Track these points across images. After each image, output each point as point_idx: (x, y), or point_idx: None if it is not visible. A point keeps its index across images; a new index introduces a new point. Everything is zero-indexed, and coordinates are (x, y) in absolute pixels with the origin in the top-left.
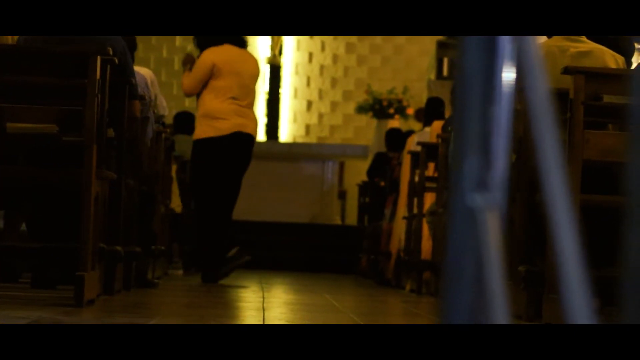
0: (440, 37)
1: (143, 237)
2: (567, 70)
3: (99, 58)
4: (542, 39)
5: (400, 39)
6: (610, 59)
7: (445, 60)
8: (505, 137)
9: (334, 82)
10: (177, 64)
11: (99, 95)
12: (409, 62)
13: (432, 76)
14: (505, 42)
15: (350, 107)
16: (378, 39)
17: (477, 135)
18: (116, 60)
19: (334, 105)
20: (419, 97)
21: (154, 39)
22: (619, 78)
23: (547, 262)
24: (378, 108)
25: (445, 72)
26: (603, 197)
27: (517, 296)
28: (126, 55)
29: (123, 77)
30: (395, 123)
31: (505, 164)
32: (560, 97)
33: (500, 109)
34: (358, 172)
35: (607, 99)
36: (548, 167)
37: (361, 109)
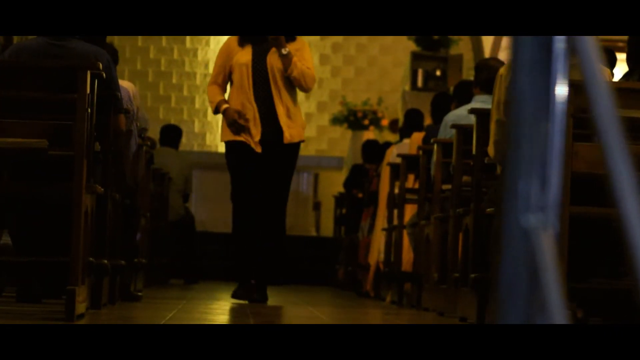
0: (414, 48)
1: (127, 250)
2: None
3: (88, 72)
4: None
5: (374, 50)
6: None
7: (420, 72)
8: (558, 157)
9: (307, 94)
10: (174, 77)
11: (89, 110)
12: (383, 73)
13: (407, 87)
14: (559, 58)
15: (325, 119)
16: (352, 50)
17: (530, 156)
18: (104, 75)
19: (308, 117)
20: (393, 108)
21: (152, 51)
22: None
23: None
24: (353, 119)
25: (419, 83)
26: (593, 209)
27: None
28: (111, 69)
29: (109, 90)
30: (370, 134)
31: (558, 184)
32: None
33: (554, 128)
34: (333, 183)
35: None
36: (615, 167)
37: (336, 120)
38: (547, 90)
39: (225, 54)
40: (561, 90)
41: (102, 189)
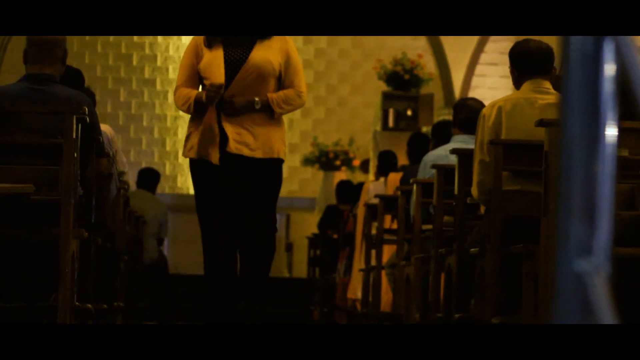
0: (385, 88)
1: (108, 293)
2: (541, 123)
3: (74, 117)
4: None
5: (344, 91)
6: None
7: (391, 111)
8: (607, 200)
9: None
10: (145, 120)
11: (75, 154)
12: (353, 113)
13: (378, 127)
14: (607, 101)
15: (296, 160)
16: (322, 91)
17: (581, 201)
18: (87, 119)
19: None
20: (364, 148)
21: (122, 94)
22: None
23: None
24: (325, 160)
25: (391, 123)
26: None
27: None
28: (93, 113)
29: (91, 134)
30: (342, 175)
31: (609, 227)
32: (533, 149)
33: (603, 171)
34: (305, 224)
35: None
36: None
37: (307, 161)
38: (597, 133)
39: (193, 54)
40: (610, 132)
41: (86, 234)
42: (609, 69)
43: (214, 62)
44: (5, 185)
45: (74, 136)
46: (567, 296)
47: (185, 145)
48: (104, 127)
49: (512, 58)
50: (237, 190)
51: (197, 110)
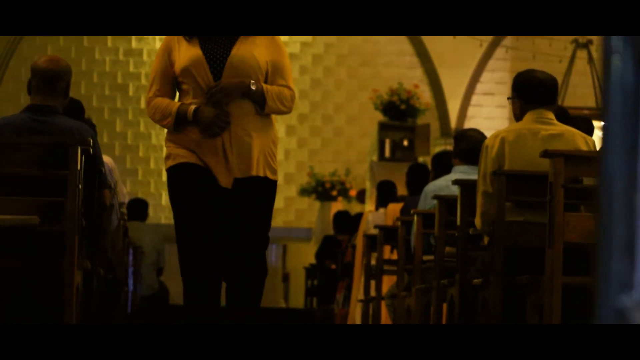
0: (381, 118)
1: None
2: (546, 154)
3: (79, 149)
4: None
5: (340, 121)
6: (581, 140)
7: (387, 142)
8: None
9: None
10: (141, 151)
11: (79, 186)
12: (349, 143)
13: (374, 157)
14: None
15: (292, 190)
16: (318, 121)
17: (622, 236)
18: (91, 150)
19: None
20: (361, 178)
21: (118, 125)
22: (595, 161)
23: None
24: (321, 190)
25: (387, 153)
26: (585, 279)
27: None
28: (96, 144)
29: (93, 165)
30: (338, 205)
31: None
32: (536, 180)
33: None
34: (301, 254)
35: (586, 181)
36: None
37: (304, 192)
38: (637, 168)
39: (165, 57)
40: None
41: (90, 265)
42: None
43: (195, 62)
44: (9, 216)
45: (79, 168)
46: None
47: (170, 156)
48: (105, 158)
49: (518, 88)
50: (226, 204)
51: (176, 128)
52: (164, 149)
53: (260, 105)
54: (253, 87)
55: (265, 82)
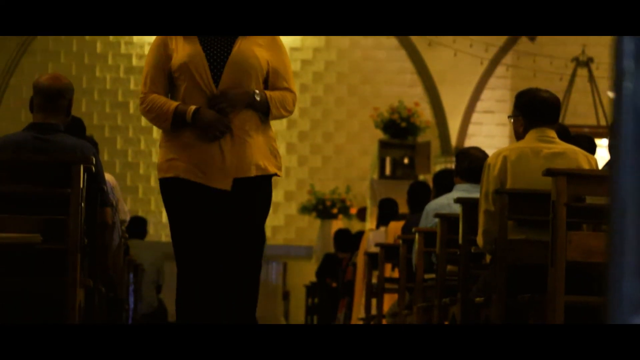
0: (382, 136)
1: None
2: (548, 172)
3: (82, 167)
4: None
5: (341, 139)
6: (583, 159)
7: (388, 160)
8: None
9: (274, 183)
10: (142, 168)
11: (82, 204)
12: (350, 161)
13: (375, 175)
14: None
15: (292, 208)
16: (318, 139)
17: (634, 258)
18: (93, 169)
19: (275, 206)
20: (361, 196)
21: (118, 142)
22: (598, 179)
23: None
24: (322, 208)
25: (387, 171)
26: (587, 298)
27: None
28: (99, 162)
29: (95, 184)
30: (339, 223)
31: None
32: (538, 198)
33: None
34: (301, 272)
35: (589, 200)
36: None
37: (305, 209)
38: None
39: (161, 51)
40: None
41: (92, 283)
42: None
43: (194, 59)
44: (12, 235)
45: (81, 186)
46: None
47: (163, 164)
48: (107, 176)
49: (521, 106)
50: (224, 209)
51: (174, 128)
52: (156, 153)
53: (264, 113)
54: (257, 98)
55: (265, 82)
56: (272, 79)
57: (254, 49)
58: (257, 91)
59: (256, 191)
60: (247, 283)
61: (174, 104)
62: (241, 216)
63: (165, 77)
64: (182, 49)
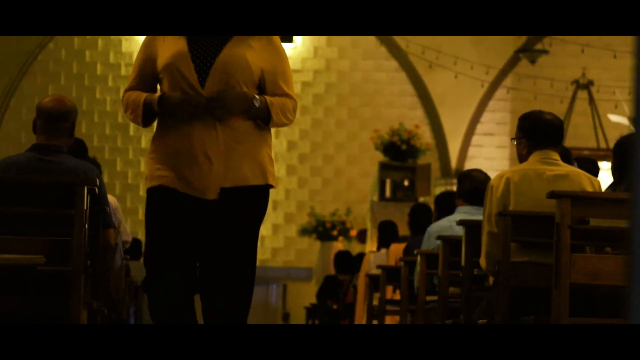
0: (382, 159)
1: None
2: (552, 195)
3: (85, 188)
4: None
5: (341, 161)
6: (586, 181)
7: (388, 182)
8: None
9: (275, 205)
10: (142, 190)
11: (86, 225)
12: (350, 184)
13: (375, 198)
14: None
15: (292, 230)
16: (319, 161)
17: None
18: (97, 190)
19: (275, 228)
20: (361, 218)
21: (118, 164)
22: (602, 201)
23: None
24: (322, 230)
25: (388, 193)
26: (591, 320)
27: None
28: (102, 183)
29: (98, 205)
30: (339, 245)
31: None
32: (541, 220)
33: None
34: (301, 294)
35: (593, 222)
36: None
37: (305, 231)
38: None
39: (148, 50)
40: None
41: (95, 304)
42: None
43: (179, 59)
44: (15, 256)
45: (85, 207)
46: None
47: (149, 175)
48: (110, 198)
49: (525, 129)
50: (210, 219)
51: (146, 121)
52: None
53: (264, 120)
54: (257, 104)
55: (258, 88)
56: (268, 84)
57: (245, 52)
58: (256, 96)
59: (246, 201)
60: (234, 294)
61: (143, 95)
62: (228, 226)
63: (151, 77)
64: (169, 48)
